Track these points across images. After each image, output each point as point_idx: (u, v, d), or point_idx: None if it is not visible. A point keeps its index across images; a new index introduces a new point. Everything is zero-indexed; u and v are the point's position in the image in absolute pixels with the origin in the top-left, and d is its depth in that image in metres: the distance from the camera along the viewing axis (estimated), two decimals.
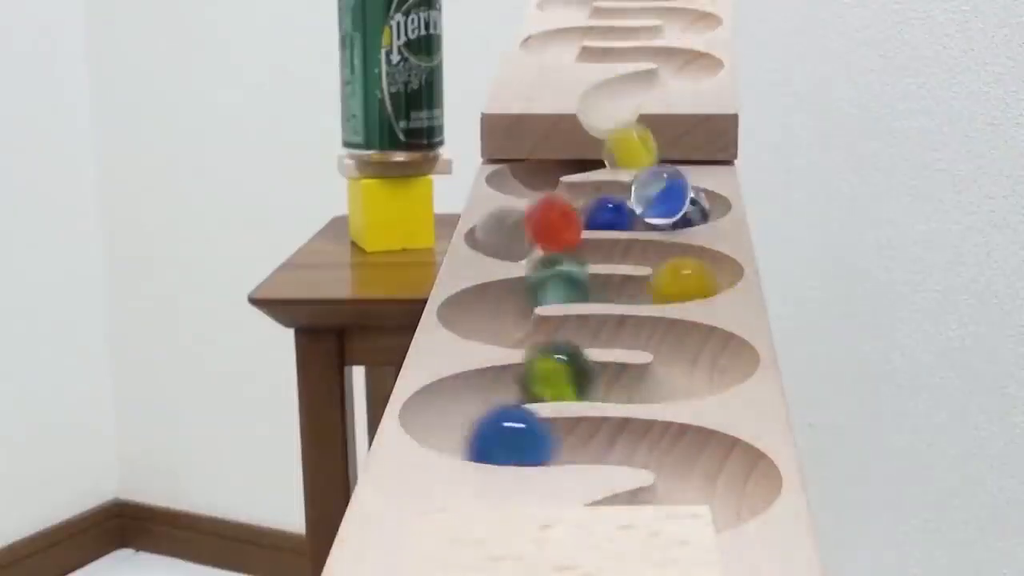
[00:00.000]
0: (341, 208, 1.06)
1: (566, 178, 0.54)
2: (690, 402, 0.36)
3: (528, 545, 0.25)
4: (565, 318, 0.41)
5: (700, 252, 0.46)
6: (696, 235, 0.47)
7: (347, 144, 1.00)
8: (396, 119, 0.97)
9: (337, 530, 0.28)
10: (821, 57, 1.38)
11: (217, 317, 1.80)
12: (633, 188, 0.48)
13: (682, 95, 0.59)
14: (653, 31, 0.68)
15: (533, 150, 0.56)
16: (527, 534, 0.25)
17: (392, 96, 0.97)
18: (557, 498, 0.30)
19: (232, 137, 1.75)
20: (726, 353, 0.39)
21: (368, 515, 0.29)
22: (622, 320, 0.41)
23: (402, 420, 0.34)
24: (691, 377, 0.39)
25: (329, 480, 0.90)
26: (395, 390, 0.36)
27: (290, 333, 0.90)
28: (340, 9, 0.98)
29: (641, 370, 0.37)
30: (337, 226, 1.07)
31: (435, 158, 1.00)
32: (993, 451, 1.36)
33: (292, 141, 1.69)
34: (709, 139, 0.55)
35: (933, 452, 1.39)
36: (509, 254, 0.45)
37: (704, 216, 0.50)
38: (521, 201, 0.46)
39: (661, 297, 0.43)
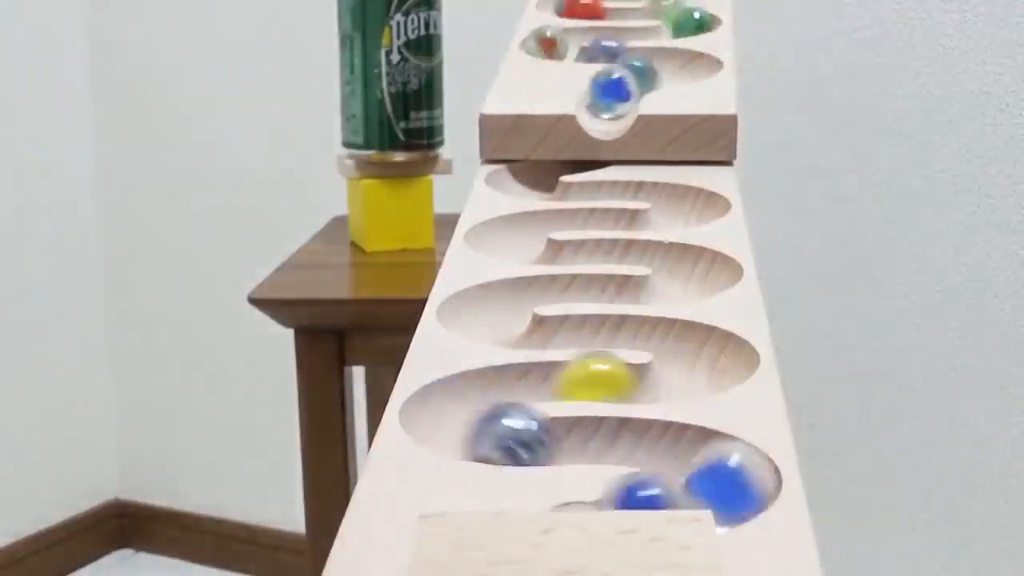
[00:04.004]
0: (341, 208, 1.06)
1: (566, 178, 0.54)
2: (690, 402, 0.36)
3: (529, 550, 0.25)
4: (565, 318, 0.41)
5: (700, 252, 0.46)
6: (696, 235, 0.47)
7: (347, 144, 1.00)
8: (396, 119, 0.97)
9: (337, 530, 0.28)
10: (821, 57, 1.38)
11: (217, 317, 1.80)
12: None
13: (681, 95, 0.59)
14: (653, 31, 0.68)
15: (533, 150, 0.56)
16: (527, 538, 0.25)
17: (392, 96, 0.97)
18: (557, 499, 0.30)
19: (232, 137, 1.76)
20: (726, 353, 0.39)
21: (368, 515, 0.29)
22: (622, 320, 0.41)
23: (402, 420, 0.34)
24: (691, 377, 0.39)
25: (329, 480, 0.90)
26: (395, 390, 0.36)
27: (290, 333, 0.90)
28: (340, 9, 0.98)
29: (641, 370, 0.37)
30: (337, 226, 1.07)
31: (435, 158, 1.00)
32: (993, 451, 1.36)
33: (292, 141, 1.69)
34: (708, 139, 0.55)
35: (933, 452, 1.39)
36: None
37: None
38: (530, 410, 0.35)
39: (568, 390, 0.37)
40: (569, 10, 0.70)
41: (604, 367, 0.37)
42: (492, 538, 0.25)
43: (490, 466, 0.33)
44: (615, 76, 0.55)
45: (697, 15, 0.67)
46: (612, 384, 0.36)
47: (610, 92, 0.55)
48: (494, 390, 0.37)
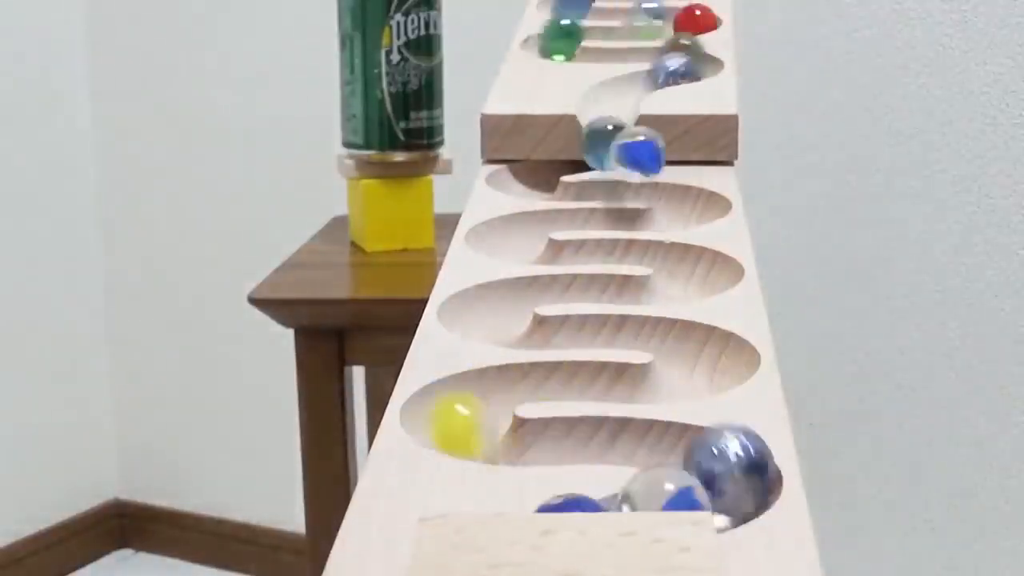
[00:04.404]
0: (341, 208, 1.06)
1: (566, 178, 0.54)
2: (690, 402, 0.36)
3: (528, 552, 0.25)
4: (565, 318, 0.41)
5: (700, 252, 0.46)
6: (696, 235, 0.47)
7: (347, 144, 1.00)
8: (396, 119, 0.97)
9: (337, 530, 0.28)
10: (821, 57, 1.38)
11: (217, 317, 1.80)
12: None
13: (682, 95, 0.59)
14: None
15: (533, 150, 0.56)
16: (527, 540, 0.25)
17: (392, 96, 0.97)
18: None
19: (232, 137, 1.76)
20: (726, 353, 0.39)
21: (368, 515, 0.29)
22: (622, 320, 0.41)
23: (402, 420, 0.34)
24: (691, 377, 0.39)
25: (329, 480, 0.90)
26: (395, 390, 0.36)
27: (290, 333, 0.90)
28: (340, 9, 0.98)
29: (641, 370, 0.37)
30: (337, 226, 1.07)
31: (435, 158, 1.00)
32: (993, 451, 1.36)
33: (292, 141, 1.70)
34: (709, 139, 0.55)
35: (933, 452, 1.39)
36: None
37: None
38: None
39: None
40: (682, 24, 0.68)
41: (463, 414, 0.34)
42: (492, 540, 0.25)
43: (490, 466, 0.33)
44: (641, 138, 0.49)
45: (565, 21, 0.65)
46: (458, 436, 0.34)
47: (638, 157, 0.50)
48: (494, 390, 0.37)
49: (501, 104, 0.58)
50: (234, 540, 1.85)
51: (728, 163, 0.56)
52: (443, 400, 0.35)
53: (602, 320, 0.41)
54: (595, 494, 0.30)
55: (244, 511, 1.85)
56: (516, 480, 0.32)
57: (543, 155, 0.56)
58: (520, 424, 0.34)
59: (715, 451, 0.31)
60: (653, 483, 0.29)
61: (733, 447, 0.31)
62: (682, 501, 0.28)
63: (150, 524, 1.92)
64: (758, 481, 0.30)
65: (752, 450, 0.31)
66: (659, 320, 0.41)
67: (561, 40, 0.63)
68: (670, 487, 0.29)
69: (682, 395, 0.38)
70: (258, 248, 1.48)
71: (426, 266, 0.96)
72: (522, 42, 0.67)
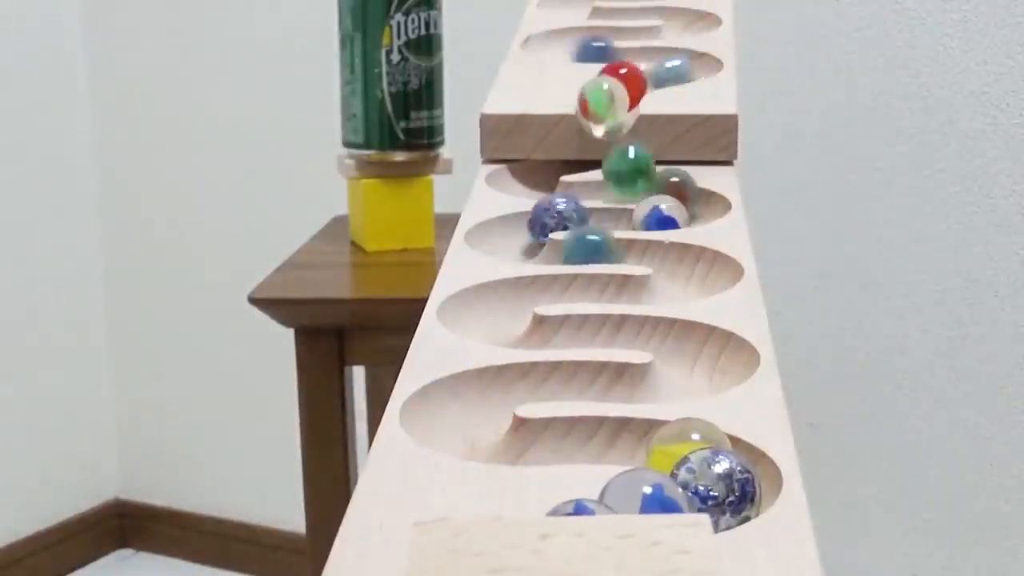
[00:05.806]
0: (341, 208, 1.06)
1: (566, 178, 0.54)
2: (690, 402, 0.36)
3: (527, 556, 0.24)
4: (565, 317, 0.41)
5: (700, 252, 0.46)
6: (696, 235, 0.47)
7: (347, 144, 1.00)
8: (396, 119, 0.97)
9: (337, 530, 0.28)
10: (821, 57, 1.38)
11: (217, 317, 1.80)
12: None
13: (682, 95, 0.59)
14: (653, 31, 0.68)
15: (533, 150, 0.56)
16: (526, 544, 0.25)
17: (392, 96, 0.97)
18: (558, 499, 0.30)
19: (232, 137, 1.75)
20: (726, 353, 0.39)
21: (368, 515, 0.29)
22: (622, 320, 0.41)
23: (402, 420, 0.34)
24: (691, 377, 0.39)
25: (329, 480, 0.90)
26: (395, 390, 0.36)
27: (290, 333, 0.90)
28: (340, 9, 0.98)
29: (641, 370, 0.37)
30: (337, 226, 1.07)
31: (435, 158, 1.00)
32: (993, 451, 1.36)
33: (292, 141, 1.69)
34: (709, 139, 0.55)
35: (933, 452, 1.39)
36: None
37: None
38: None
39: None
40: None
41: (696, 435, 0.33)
42: (490, 544, 0.25)
43: (490, 466, 0.33)
44: (664, 211, 0.48)
45: (632, 153, 0.52)
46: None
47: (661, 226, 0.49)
48: (494, 390, 0.37)
49: (501, 104, 0.58)
50: (234, 540, 1.85)
51: (728, 163, 0.56)
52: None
53: (602, 320, 0.41)
54: (595, 494, 0.30)
55: (244, 511, 1.85)
56: (516, 480, 0.32)
57: (543, 155, 0.56)
58: (520, 424, 0.34)
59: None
60: (629, 484, 0.29)
61: None
62: (654, 501, 0.29)
63: (150, 524, 1.92)
64: None
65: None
66: (659, 320, 0.41)
67: (630, 184, 0.52)
68: (645, 488, 0.29)
69: (682, 395, 0.38)
70: (258, 248, 1.48)
71: (426, 266, 0.96)
72: (522, 42, 0.67)
